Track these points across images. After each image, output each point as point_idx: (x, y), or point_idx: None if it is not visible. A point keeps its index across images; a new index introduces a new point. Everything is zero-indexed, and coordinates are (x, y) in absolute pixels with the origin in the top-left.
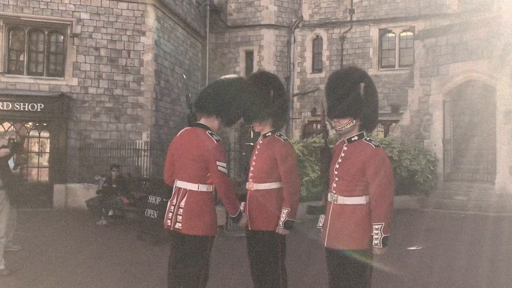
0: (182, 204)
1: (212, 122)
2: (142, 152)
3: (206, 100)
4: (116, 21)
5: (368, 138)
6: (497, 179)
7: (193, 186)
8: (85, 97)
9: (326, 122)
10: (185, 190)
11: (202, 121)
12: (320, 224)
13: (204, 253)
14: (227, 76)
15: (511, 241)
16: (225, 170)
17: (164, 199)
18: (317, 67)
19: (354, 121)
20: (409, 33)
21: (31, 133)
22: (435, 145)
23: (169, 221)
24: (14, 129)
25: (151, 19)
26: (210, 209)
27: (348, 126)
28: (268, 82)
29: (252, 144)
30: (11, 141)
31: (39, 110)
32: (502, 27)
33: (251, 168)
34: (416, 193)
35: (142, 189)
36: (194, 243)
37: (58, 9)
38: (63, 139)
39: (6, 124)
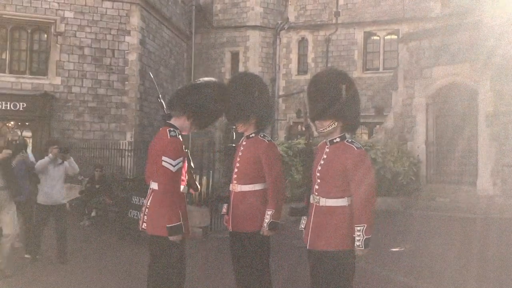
0: (149, 204)
1: (182, 123)
2: (126, 152)
3: (177, 101)
4: (101, 20)
5: (350, 140)
6: (478, 181)
7: (156, 186)
8: (68, 96)
9: (310, 124)
10: (152, 190)
11: (172, 120)
12: (302, 226)
13: (168, 254)
14: (205, 78)
15: (489, 243)
16: (171, 167)
17: None
18: (302, 69)
19: (336, 123)
20: (394, 36)
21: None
22: (418, 147)
23: (140, 221)
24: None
25: (136, 19)
26: (181, 209)
27: (330, 128)
28: (252, 82)
29: (234, 145)
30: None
31: (21, 109)
32: (484, 31)
33: (235, 170)
34: (399, 194)
35: (125, 189)
36: (157, 244)
37: (41, 7)
38: (46, 138)
39: None
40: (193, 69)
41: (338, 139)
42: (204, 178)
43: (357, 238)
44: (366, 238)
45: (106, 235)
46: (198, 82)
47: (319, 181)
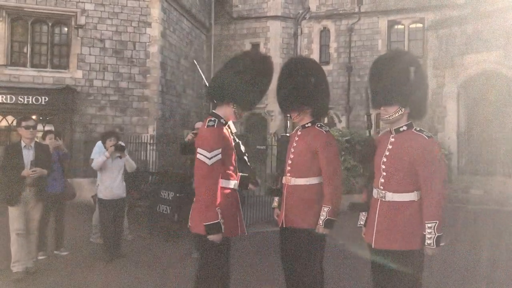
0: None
1: (225, 110)
2: (148, 146)
3: (216, 89)
4: (121, 12)
5: (418, 129)
6: None
7: None
8: (90, 89)
9: (333, 113)
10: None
11: (216, 109)
12: (362, 222)
13: (210, 253)
14: (241, 54)
15: None
16: (206, 160)
17: (177, 194)
18: (324, 60)
19: (403, 109)
20: (419, 25)
21: None
22: (449, 138)
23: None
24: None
25: (157, 10)
26: (222, 206)
27: (396, 115)
28: (308, 68)
29: (288, 135)
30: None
31: (43, 103)
32: None
33: (289, 162)
34: None
35: (149, 183)
36: (199, 242)
37: None
38: (68, 132)
39: (10, 118)
40: (212, 61)
41: (404, 128)
42: None
43: (428, 236)
44: (438, 236)
45: (135, 230)
46: (233, 62)
47: (384, 174)
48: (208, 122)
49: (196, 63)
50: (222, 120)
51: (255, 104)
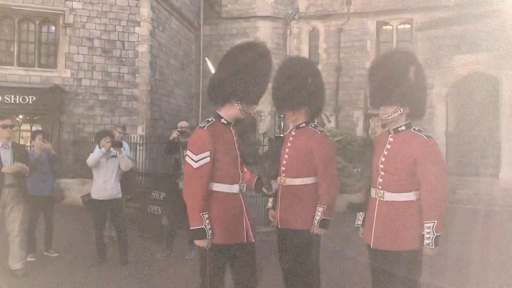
0: None
1: (229, 109)
2: (138, 146)
3: (216, 91)
4: (110, 10)
5: (417, 128)
6: (501, 173)
7: None
8: (78, 89)
9: (322, 114)
10: None
11: (220, 110)
12: (359, 222)
13: (204, 262)
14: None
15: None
16: (192, 163)
17: (168, 195)
18: (314, 60)
19: (402, 109)
20: (407, 26)
21: (22, 126)
22: (437, 139)
23: None
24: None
25: (145, 9)
26: (220, 211)
27: (394, 115)
28: (304, 68)
29: (282, 135)
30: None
31: (30, 102)
32: (507, 19)
33: (283, 162)
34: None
35: (138, 184)
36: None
37: None
38: (56, 132)
39: None
40: (201, 61)
41: (403, 127)
42: None
43: (426, 236)
44: (436, 235)
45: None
46: (230, 59)
47: (382, 173)
48: (202, 123)
49: (207, 60)
50: (223, 120)
51: (260, 97)
